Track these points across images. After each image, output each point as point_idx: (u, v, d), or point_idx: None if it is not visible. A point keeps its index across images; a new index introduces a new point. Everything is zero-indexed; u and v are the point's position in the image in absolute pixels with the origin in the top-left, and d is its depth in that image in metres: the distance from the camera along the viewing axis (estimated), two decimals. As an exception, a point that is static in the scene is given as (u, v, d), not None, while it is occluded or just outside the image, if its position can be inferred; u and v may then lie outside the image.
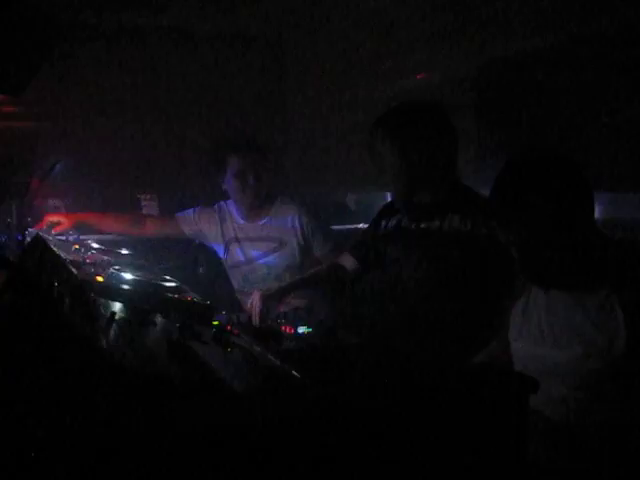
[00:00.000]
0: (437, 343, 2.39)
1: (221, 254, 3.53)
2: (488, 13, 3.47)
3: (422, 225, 2.58)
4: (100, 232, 3.58)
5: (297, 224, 3.36)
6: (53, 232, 3.35)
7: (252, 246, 3.42)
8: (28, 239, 2.96)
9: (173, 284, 2.24)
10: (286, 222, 3.38)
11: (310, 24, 4.84)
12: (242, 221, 3.46)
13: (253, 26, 4.94)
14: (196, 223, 3.55)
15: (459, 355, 2.13)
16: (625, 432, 1.77)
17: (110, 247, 3.05)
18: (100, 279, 2.05)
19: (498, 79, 3.49)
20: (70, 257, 2.45)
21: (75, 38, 4.33)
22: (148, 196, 4.30)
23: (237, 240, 3.45)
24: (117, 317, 1.60)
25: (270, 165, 3.40)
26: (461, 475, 1.32)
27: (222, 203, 3.54)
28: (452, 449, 1.32)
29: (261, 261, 3.40)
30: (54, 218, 3.45)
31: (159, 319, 1.79)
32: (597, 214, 1.95)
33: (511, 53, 3.35)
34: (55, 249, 2.41)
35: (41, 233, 3.11)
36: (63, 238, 3.21)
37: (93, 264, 2.41)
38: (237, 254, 3.45)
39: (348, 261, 2.85)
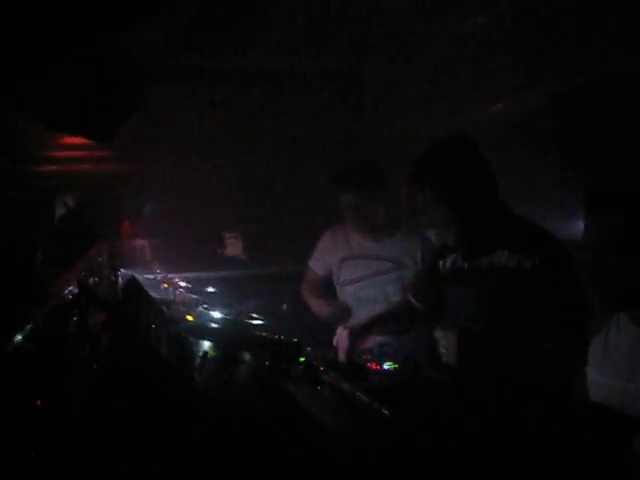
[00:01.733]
0: (512, 382, 2.32)
1: (334, 271, 3.50)
2: (566, 41, 3.43)
3: (475, 263, 2.50)
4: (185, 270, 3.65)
5: (418, 251, 3.31)
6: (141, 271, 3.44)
7: (368, 264, 3.38)
8: (120, 280, 3.06)
9: (260, 322, 2.28)
10: (407, 248, 3.34)
11: (389, 58, 4.87)
12: (363, 240, 3.43)
13: (333, 62, 4.99)
14: (324, 258, 3.56)
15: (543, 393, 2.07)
16: None
17: (196, 285, 3.12)
18: (190, 318, 2.11)
19: (576, 108, 3.43)
20: (160, 296, 2.53)
21: (163, 81, 4.47)
22: (232, 235, 4.38)
23: (354, 257, 3.41)
24: (209, 356, 1.64)
25: (384, 197, 3.37)
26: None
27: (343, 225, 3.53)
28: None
29: (375, 279, 3.36)
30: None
31: (248, 357, 1.83)
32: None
33: (590, 80, 3.30)
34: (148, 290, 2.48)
35: (131, 273, 3.21)
36: (151, 277, 3.29)
37: (182, 303, 2.48)
38: (351, 271, 3.41)
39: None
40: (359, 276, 3.34)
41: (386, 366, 2.39)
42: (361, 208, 3.27)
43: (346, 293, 3.40)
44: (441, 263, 2.72)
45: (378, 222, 3.30)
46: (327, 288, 3.51)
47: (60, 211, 3.83)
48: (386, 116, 5.10)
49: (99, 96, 3.13)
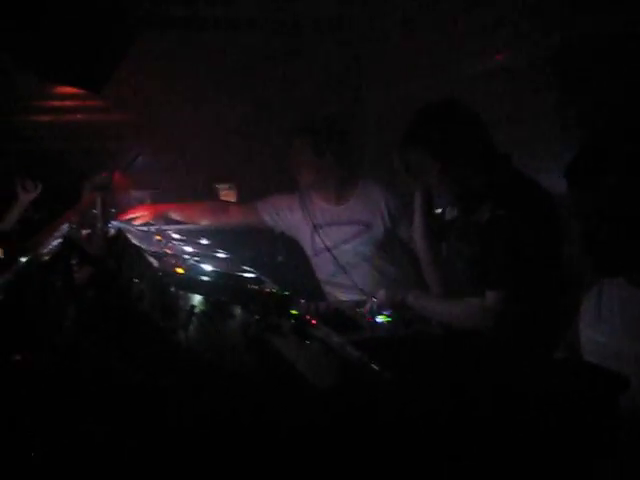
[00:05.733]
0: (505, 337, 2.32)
1: (304, 242, 3.52)
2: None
3: (471, 218, 2.54)
4: (182, 222, 3.63)
5: (383, 206, 3.32)
6: (135, 223, 3.42)
7: (338, 230, 3.39)
8: (112, 231, 3.02)
9: (252, 275, 2.25)
10: (371, 204, 3.34)
11: (385, 7, 4.77)
12: (325, 205, 3.44)
13: (326, 11, 4.91)
14: (277, 211, 3.55)
15: (533, 348, 2.06)
16: None
17: (190, 237, 3.09)
18: (181, 271, 2.08)
19: (581, 59, 3.37)
20: (152, 249, 2.49)
21: (152, 30, 4.39)
22: (226, 187, 4.34)
23: (322, 226, 3.43)
24: (197, 310, 1.62)
25: (347, 147, 3.36)
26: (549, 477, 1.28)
27: (303, 190, 3.53)
28: (536, 448, 1.27)
29: (348, 245, 3.37)
30: (137, 212, 3.52)
31: (238, 311, 1.80)
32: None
33: (596, 32, 3.23)
34: (137, 242, 2.45)
35: (124, 226, 3.18)
36: (145, 229, 3.26)
37: (174, 255, 2.44)
38: (323, 240, 3.42)
39: None
40: (333, 243, 3.38)
41: (379, 319, 2.38)
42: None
43: (323, 261, 3.44)
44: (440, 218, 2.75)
45: (340, 178, 3.32)
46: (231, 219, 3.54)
47: (52, 162, 3.78)
48: (381, 70, 5.04)
49: (89, 45, 3.08)
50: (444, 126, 2.53)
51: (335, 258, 3.36)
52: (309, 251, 3.51)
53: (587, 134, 3.10)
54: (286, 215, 3.54)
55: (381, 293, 2.56)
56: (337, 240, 3.38)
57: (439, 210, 2.79)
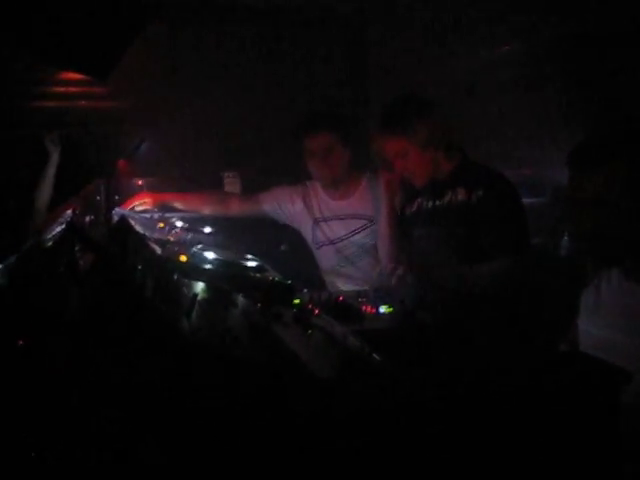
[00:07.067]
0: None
1: (307, 234, 3.53)
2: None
3: (436, 203, 2.92)
4: (184, 211, 3.63)
5: (384, 203, 3.32)
6: (138, 210, 3.42)
7: (342, 224, 3.41)
8: (115, 218, 3.02)
9: (255, 263, 2.24)
10: (374, 200, 3.35)
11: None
12: (329, 199, 3.45)
13: (334, 4, 4.88)
14: (279, 203, 3.55)
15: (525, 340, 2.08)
16: None
17: (194, 225, 3.09)
18: (184, 258, 2.07)
19: (580, 51, 3.38)
20: (155, 236, 2.49)
21: (161, 19, 4.37)
22: (231, 174, 4.33)
23: (324, 219, 3.45)
24: (199, 298, 1.62)
25: (350, 144, 3.36)
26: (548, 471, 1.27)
27: (307, 183, 3.53)
28: (536, 441, 1.27)
29: (352, 239, 3.38)
30: (139, 199, 3.52)
31: (240, 299, 1.80)
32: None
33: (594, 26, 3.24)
34: (140, 228, 2.45)
35: (127, 213, 3.18)
36: (148, 216, 3.27)
37: (177, 243, 2.45)
38: (326, 233, 3.44)
39: None
40: (337, 237, 3.41)
41: (382, 309, 2.38)
42: (328, 155, 3.31)
43: (325, 252, 3.46)
44: (408, 206, 3.10)
45: (344, 171, 3.35)
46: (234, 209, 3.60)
47: (56, 148, 3.77)
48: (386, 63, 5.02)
49: (96, 31, 3.07)
50: (419, 116, 2.86)
51: (338, 251, 3.38)
52: (311, 243, 3.52)
53: (591, 125, 3.13)
54: (288, 207, 3.54)
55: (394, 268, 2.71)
56: (340, 234, 3.40)
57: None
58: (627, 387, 1.33)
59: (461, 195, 2.83)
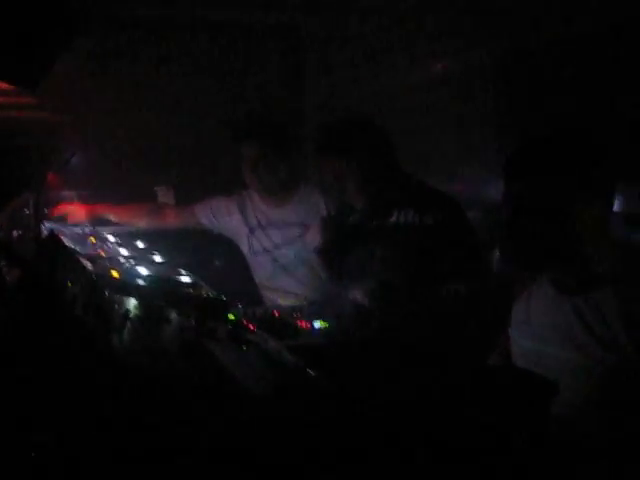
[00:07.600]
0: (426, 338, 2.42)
1: (242, 244, 3.50)
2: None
3: (382, 222, 2.86)
4: (117, 223, 3.57)
5: (322, 209, 3.32)
6: (69, 223, 3.35)
7: (278, 233, 3.39)
8: (45, 233, 2.95)
9: (189, 279, 2.22)
10: (311, 207, 3.35)
11: (330, 13, 4.79)
12: (265, 207, 3.43)
13: (273, 14, 4.89)
14: (214, 214, 3.53)
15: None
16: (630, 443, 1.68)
17: (125, 240, 3.04)
18: (115, 274, 2.04)
19: (518, 68, 3.46)
20: (86, 251, 2.44)
21: (92, 30, 4.31)
22: (164, 188, 4.28)
23: (261, 227, 3.42)
24: (131, 315, 1.58)
25: (288, 152, 3.35)
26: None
27: (243, 191, 3.51)
28: (466, 455, 1.28)
29: (287, 248, 3.37)
30: (68, 207, 3.45)
31: (174, 316, 1.77)
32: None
33: (532, 43, 3.33)
34: (71, 243, 2.40)
35: (57, 227, 3.10)
36: (79, 231, 3.20)
37: (109, 258, 2.40)
38: (262, 241, 3.41)
39: None
40: (272, 244, 3.39)
41: (316, 325, 2.38)
42: (263, 162, 3.29)
43: (261, 262, 3.44)
44: (346, 222, 3.02)
45: (280, 179, 3.33)
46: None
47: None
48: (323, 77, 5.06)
49: (25, 40, 3.00)
50: (363, 138, 2.81)
51: (275, 260, 3.36)
52: (247, 253, 3.50)
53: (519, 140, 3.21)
54: (225, 218, 3.52)
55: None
56: (276, 242, 3.38)
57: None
58: (555, 399, 1.36)
59: (411, 216, 2.78)
